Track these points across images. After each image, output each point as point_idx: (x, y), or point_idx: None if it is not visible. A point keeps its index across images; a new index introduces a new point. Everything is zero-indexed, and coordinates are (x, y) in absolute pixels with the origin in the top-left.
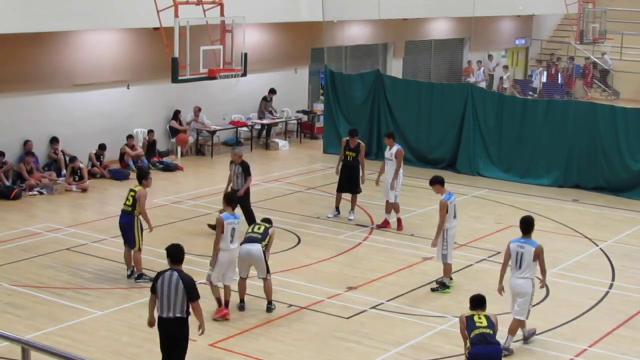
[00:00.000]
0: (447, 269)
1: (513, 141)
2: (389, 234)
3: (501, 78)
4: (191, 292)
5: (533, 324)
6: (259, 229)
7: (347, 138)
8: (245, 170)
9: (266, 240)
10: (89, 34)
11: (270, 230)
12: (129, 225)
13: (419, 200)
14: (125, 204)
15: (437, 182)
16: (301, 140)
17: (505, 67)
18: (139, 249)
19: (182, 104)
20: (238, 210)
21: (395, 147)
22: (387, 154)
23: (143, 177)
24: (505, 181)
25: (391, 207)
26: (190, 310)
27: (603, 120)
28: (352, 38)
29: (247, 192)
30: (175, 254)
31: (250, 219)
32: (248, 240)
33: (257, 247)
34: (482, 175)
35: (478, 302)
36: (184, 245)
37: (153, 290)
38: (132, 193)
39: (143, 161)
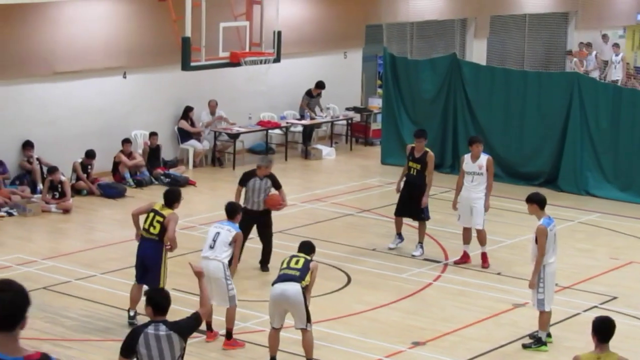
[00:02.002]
0: (545, 319)
1: (634, 150)
2: (469, 272)
3: (607, 63)
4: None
5: None
6: (296, 263)
7: (412, 145)
8: (275, 184)
9: (306, 278)
10: (74, 5)
11: (311, 265)
12: (157, 257)
13: (508, 228)
14: (149, 232)
15: (535, 201)
16: (352, 147)
17: (616, 46)
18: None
19: (195, 99)
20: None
21: (484, 157)
22: (469, 166)
23: (175, 200)
24: (623, 202)
25: (469, 235)
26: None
27: None
28: (420, 12)
29: (267, 214)
30: (159, 301)
31: (265, 251)
32: (282, 278)
33: (295, 288)
34: (592, 195)
35: (606, 332)
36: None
37: (129, 353)
38: (160, 218)
39: (143, 173)
